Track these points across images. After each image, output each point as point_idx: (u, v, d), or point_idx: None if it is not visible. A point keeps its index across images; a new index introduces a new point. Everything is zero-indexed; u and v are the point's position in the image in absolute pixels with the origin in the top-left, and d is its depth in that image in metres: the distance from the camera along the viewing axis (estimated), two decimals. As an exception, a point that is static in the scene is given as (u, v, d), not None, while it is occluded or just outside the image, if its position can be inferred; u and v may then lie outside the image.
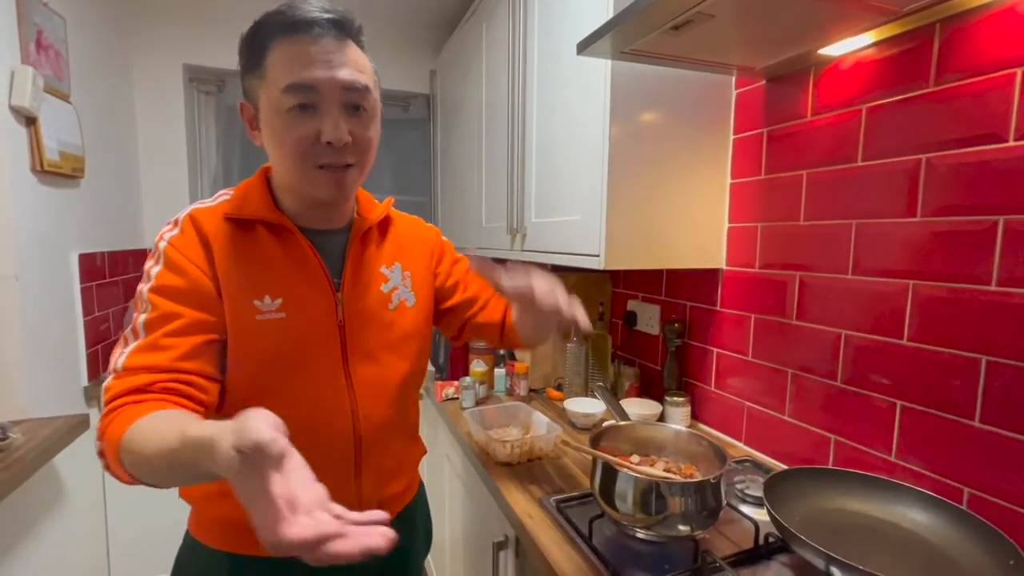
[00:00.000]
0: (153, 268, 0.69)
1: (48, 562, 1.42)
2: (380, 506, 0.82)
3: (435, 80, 2.58)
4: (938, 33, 0.83)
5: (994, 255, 0.77)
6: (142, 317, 0.67)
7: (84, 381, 1.66)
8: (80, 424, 1.40)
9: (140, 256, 2.15)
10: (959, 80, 0.81)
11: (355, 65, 0.70)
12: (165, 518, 1.73)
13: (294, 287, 0.73)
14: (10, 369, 1.32)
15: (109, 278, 1.84)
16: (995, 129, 0.77)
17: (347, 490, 0.78)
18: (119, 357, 0.65)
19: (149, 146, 2.19)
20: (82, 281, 1.63)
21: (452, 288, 0.95)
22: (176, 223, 0.72)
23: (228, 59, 2.27)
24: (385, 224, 0.87)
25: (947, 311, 0.84)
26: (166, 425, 0.55)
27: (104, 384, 0.64)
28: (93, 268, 1.71)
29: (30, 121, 1.37)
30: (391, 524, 0.86)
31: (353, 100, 0.69)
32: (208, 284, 0.69)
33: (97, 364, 1.74)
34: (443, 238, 0.98)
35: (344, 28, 0.69)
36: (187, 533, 0.81)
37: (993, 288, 0.78)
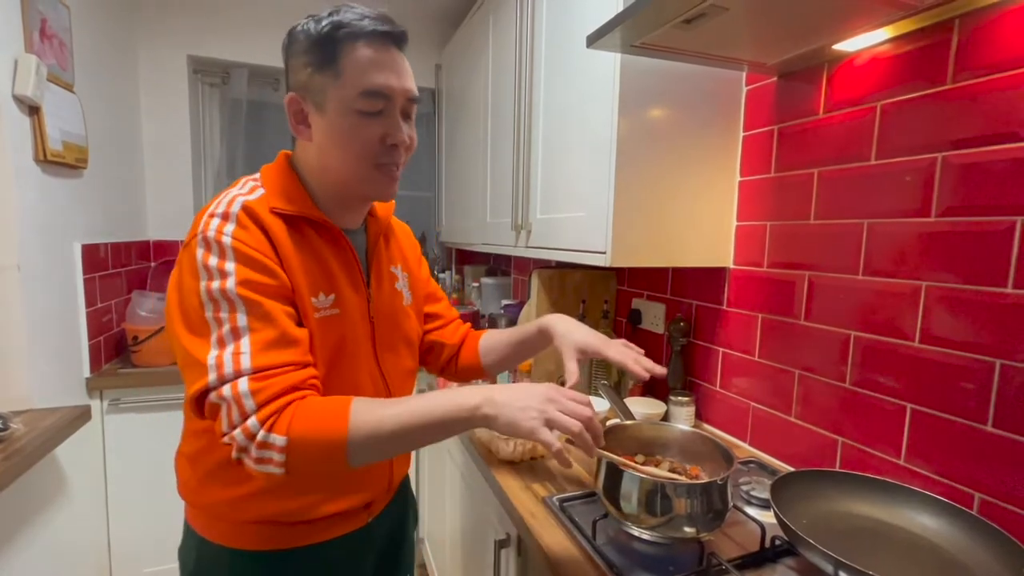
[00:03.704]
0: (225, 264, 0.64)
1: (49, 553, 1.42)
2: (398, 479, 0.91)
3: (440, 74, 2.56)
4: (957, 29, 0.82)
5: (1011, 257, 0.76)
6: (242, 317, 0.62)
7: (86, 372, 1.66)
8: (82, 415, 1.40)
9: (143, 247, 2.14)
10: (978, 77, 0.79)
11: (412, 77, 0.76)
12: (166, 510, 1.73)
13: (341, 284, 0.77)
14: (12, 359, 1.32)
15: (112, 269, 1.83)
16: (1014, 128, 0.75)
17: (384, 469, 0.85)
18: (240, 357, 0.61)
19: (153, 137, 2.19)
20: (85, 272, 1.62)
21: (425, 299, 1.01)
22: (228, 216, 0.67)
23: (233, 51, 2.27)
24: (389, 225, 0.93)
25: (960, 313, 0.82)
26: (406, 402, 0.65)
27: (243, 389, 0.59)
28: (96, 259, 1.71)
29: (33, 110, 1.37)
30: (392, 502, 0.91)
31: (410, 109, 0.76)
32: (286, 277, 0.68)
33: (99, 355, 1.73)
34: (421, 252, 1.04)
35: (404, 41, 0.75)
36: (186, 526, 0.81)
37: (1009, 290, 0.76)
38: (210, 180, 2.37)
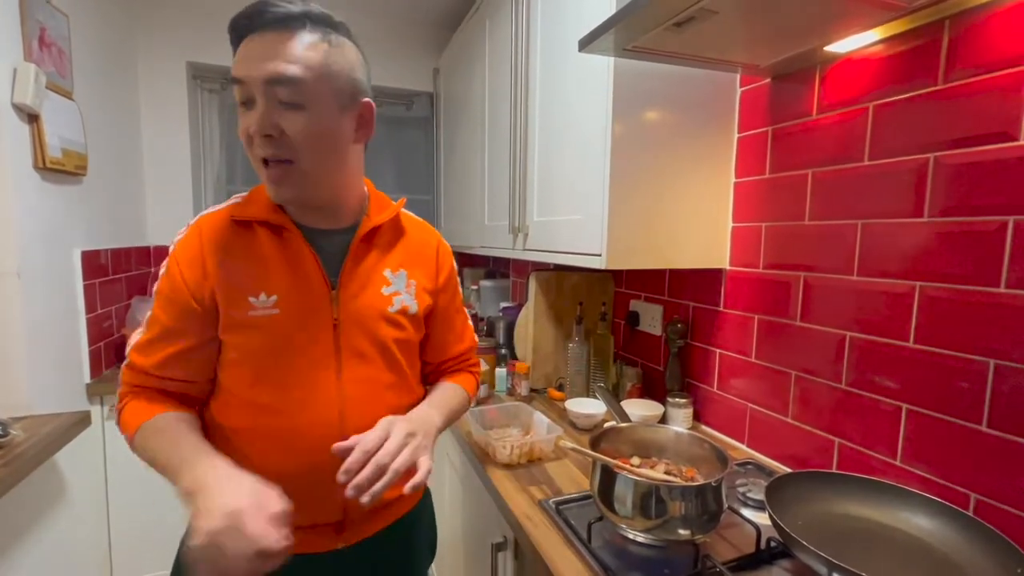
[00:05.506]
0: (161, 269, 0.77)
1: (50, 558, 1.42)
2: (368, 516, 0.81)
3: (438, 78, 2.57)
4: (947, 30, 0.82)
5: (1004, 256, 0.76)
6: (148, 312, 0.77)
7: (86, 378, 1.66)
8: (82, 421, 1.41)
9: (143, 253, 2.15)
10: (968, 78, 0.79)
11: (287, 57, 0.66)
12: (167, 515, 1.74)
13: (288, 285, 0.76)
14: (12, 365, 1.32)
15: (112, 275, 1.84)
16: (1005, 128, 0.75)
17: (330, 496, 0.73)
18: (129, 346, 0.78)
19: (153, 144, 2.20)
20: (85, 278, 1.63)
21: (437, 318, 0.92)
22: (188, 225, 0.78)
23: (232, 57, 2.28)
24: (397, 228, 0.87)
25: (954, 313, 0.82)
26: (170, 445, 0.71)
27: (123, 366, 0.78)
28: (96, 265, 1.72)
29: (32, 118, 1.38)
30: (382, 535, 0.85)
31: (278, 94, 0.66)
32: (186, 296, 0.74)
33: (100, 361, 1.74)
34: (453, 261, 0.95)
35: (288, 21, 0.67)
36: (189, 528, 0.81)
37: (1002, 290, 0.76)
38: (210, 185, 2.38)
